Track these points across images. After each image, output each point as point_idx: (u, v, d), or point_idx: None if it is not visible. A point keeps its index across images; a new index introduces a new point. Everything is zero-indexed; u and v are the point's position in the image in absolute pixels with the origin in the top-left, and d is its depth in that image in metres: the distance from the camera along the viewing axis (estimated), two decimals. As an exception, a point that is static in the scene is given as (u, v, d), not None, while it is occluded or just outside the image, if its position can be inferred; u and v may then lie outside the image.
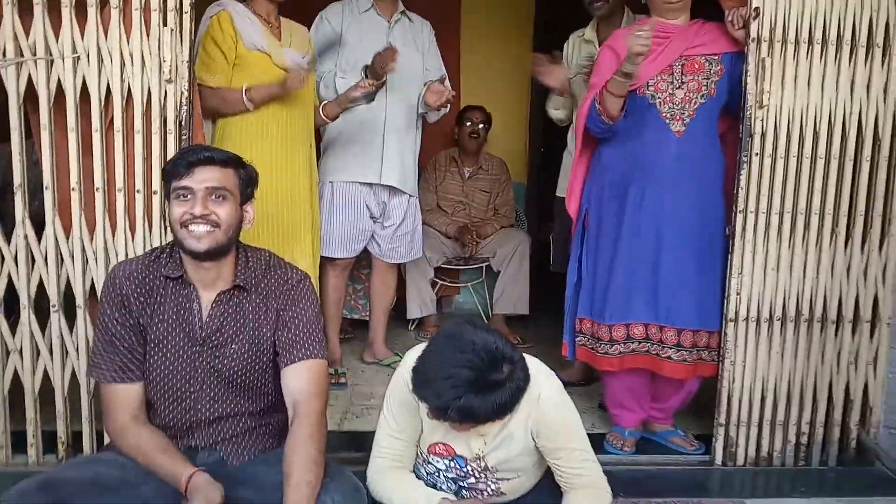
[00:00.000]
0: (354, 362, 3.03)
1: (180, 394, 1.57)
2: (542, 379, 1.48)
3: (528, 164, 4.12)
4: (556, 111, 2.46)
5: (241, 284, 1.57)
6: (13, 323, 1.98)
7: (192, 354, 1.56)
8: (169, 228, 1.65)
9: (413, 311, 3.40)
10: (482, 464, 1.49)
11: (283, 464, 1.42)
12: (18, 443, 2.02)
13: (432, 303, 3.46)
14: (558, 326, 2.37)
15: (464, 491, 1.52)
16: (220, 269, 1.55)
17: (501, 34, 4.02)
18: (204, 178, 1.47)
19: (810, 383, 2.16)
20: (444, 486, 1.52)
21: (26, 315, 1.96)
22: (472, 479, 1.51)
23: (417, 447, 1.54)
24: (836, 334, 2.14)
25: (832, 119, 2.05)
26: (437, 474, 1.52)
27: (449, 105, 2.74)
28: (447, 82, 2.69)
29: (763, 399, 2.15)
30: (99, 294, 1.91)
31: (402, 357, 1.58)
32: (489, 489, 1.51)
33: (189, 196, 1.48)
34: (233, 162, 1.54)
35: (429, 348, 1.37)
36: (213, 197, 1.49)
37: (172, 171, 1.51)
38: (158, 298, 1.55)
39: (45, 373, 1.99)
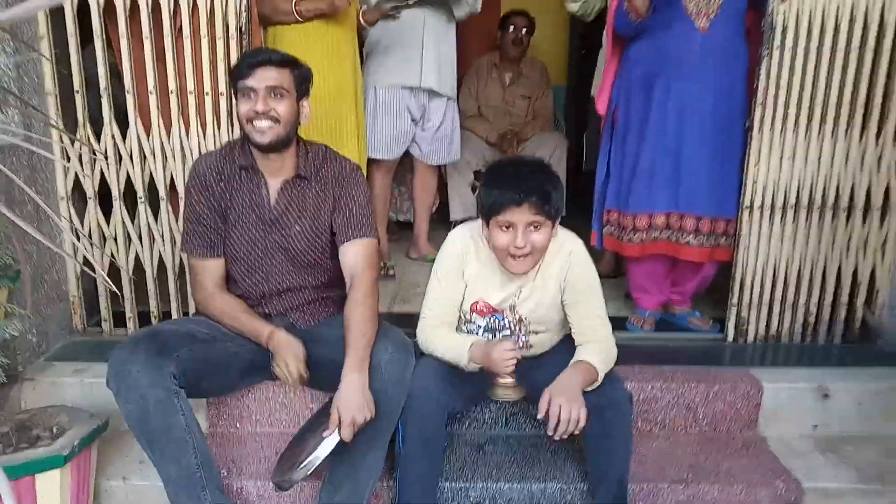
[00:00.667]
0: (402, 258, 3.29)
1: (255, 267, 1.85)
2: (574, 240, 1.75)
3: (567, 66, 4.20)
4: (572, 4, 2.56)
5: (303, 174, 1.81)
6: (107, 214, 2.29)
7: (263, 233, 1.82)
8: (238, 124, 1.88)
9: (456, 213, 3.59)
10: (516, 315, 1.75)
11: (344, 321, 1.70)
12: (116, 319, 2.37)
13: (473, 206, 3.65)
14: (591, 223, 2.56)
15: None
16: (284, 159, 1.79)
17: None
18: (264, 77, 1.69)
19: (820, 267, 2.33)
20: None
21: (117, 206, 2.26)
22: (507, 332, 1.77)
23: (460, 310, 1.79)
24: (847, 221, 2.29)
25: (854, 12, 2.13)
26: (477, 331, 1.79)
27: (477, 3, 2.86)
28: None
29: (774, 282, 2.33)
30: (182, 185, 2.20)
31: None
32: (521, 341, 1.77)
33: (252, 94, 1.70)
34: (289, 62, 1.74)
35: (497, 163, 1.74)
36: (273, 94, 1.70)
37: (237, 72, 1.72)
38: (234, 185, 1.80)
39: (137, 257, 2.31)
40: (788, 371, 2.18)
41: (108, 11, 2.14)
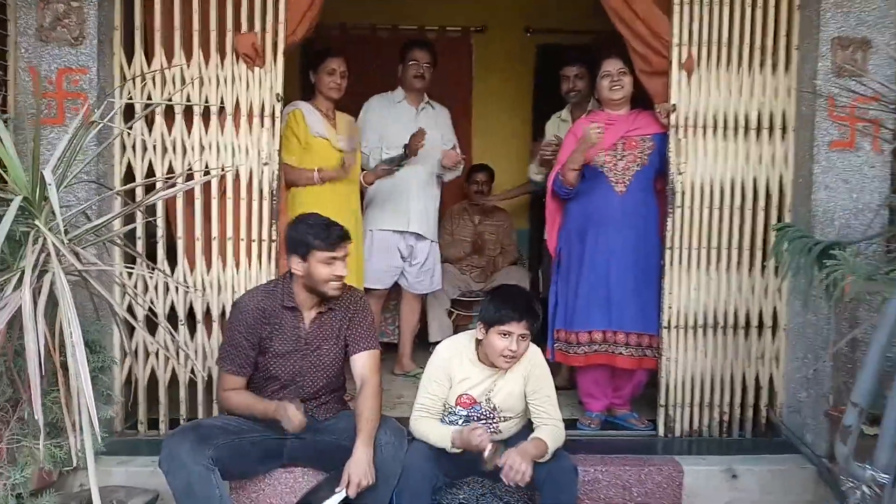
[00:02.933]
0: (387, 374, 3.79)
1: (290, 382, 2.36)
2: (534, 347, 2.35)
3: (528, 213, 4.95)
4: (535, 175, 3.29)
5: (331, 306, 2.38)
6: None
7: (300, 356, 2.36)
8: (293, 272, 2.36)
9: (434, 335, 4.14)
10: (491, 404, 2.31)
11: (355, 411, 2.23)
12: (150, 423, 2.83)
13: (449, 329, 4.23)
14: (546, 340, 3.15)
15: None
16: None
17: (507, 105, 4.93)
18: (345, 248, 2.29)
19: (728, 374, 2.91)
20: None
21: (161, 328, 2.79)
22: (483, 420, 2.30)
23: (444, 404, 2.33)
24: (745, 337, 2.90)
25: (733, 180, 2.86)
26: (458, 421, 2.32)
27: (461, 167, 3.61)
28: (458, 149, 3.56)
29: (693, 386, 2.90)
30: (216, 311, 2.76)
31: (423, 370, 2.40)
32: (492, 427, 2.30)
33: (335, 262, 2.27)
34: (348, 235, 2.35)
35: (498, 288, 2.44)
36: (343, 260, 2.30)
37: (322, 243, 2.24)
38: (276, 321, 2.34)
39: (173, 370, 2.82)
40: (705, 458, 2.70)
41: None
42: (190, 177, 2.75)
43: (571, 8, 4.54)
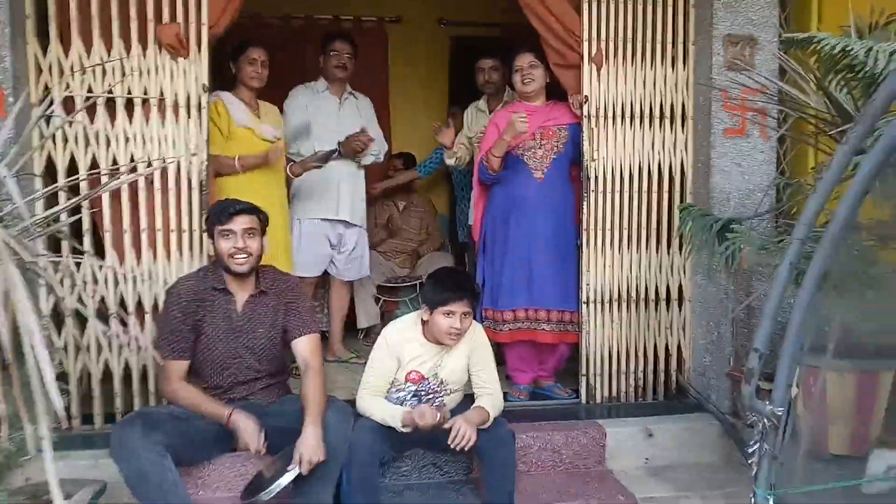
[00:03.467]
0: (318, 361, 3.87)
1: (225, 365, 2.42)
2: (477, 324, 2.52)
3: (449, 200, 5.10)
4: (449, 160, 3.47)
5: (263, 289, 2.44)
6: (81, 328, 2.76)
7: (233, 338, 2.41)
8: (209, 256, 2.48)
9: (361, 322, 4.23)
10: (438, 379, 2.45)
11: (301, 393, 2.30)
12: (84, 418, 2.78)
13: (376, 315, 4.33)
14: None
15: (422, 404, 2.42)
16: (248, 280, 2.43)
17: (423, 94, 5.05)
18: (241, 221, 2.35)
19: (641, 344, 3.17)
20: (408, 404, 2.43)
21: (92, 322, 2.74)
22: (430, 395, 2.43)
23: (394, 381, 2.44)
24: (656, 310, 3.17)
25: (641, 166, 3.11)
26: (406, 396, 2.44)
27: (382, 153, 3.71)
28: (375, 132, 3.66)
29: (611, 357, 3.14)
30: (148, 303, 2.75)
31: (357, 354, 2.51)
32: (437, 400, 2.44)
33: (231, 235, 2.34)
34: (256, 209, 2.42)
35: (438, 272, 2.54)
36: (248, 234, 2.36)
37: (217, 218, 2.36)
38: (208, 303, 2.39)
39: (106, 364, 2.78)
40: (624, 420, 2.95)
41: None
42: (116, 170, 2.71)
43: (484, 1, 4.70)
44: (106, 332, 2.55)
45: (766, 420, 1.30)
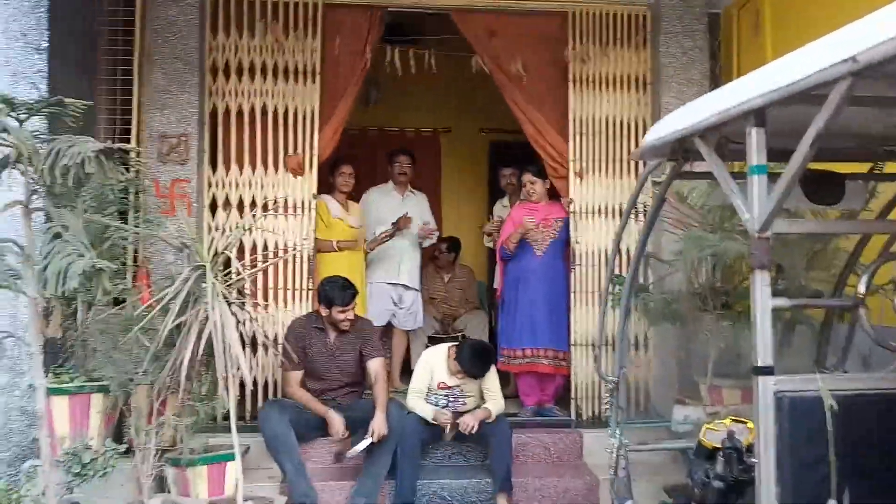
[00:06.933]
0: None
1: (322, 377, 3.75)
2: None
3: (487, 268, 6.42)
4: (486, 242, 4.84)
5: (347, 330, 3.78)
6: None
7: (327, 360, 3.75)
8: (317, 305, 3.83)
9: (415, 363, 5.50)
10: (460, 390, 3.70)
11: (373, 393, 3.63)
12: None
13: (427, 358, 5.58)
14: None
15: (449, 405, 3.69)
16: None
17: (467, 188, 6.47)
18: (351, 305, 3.71)
19: (615, 376, 4.34)
20: (439, 405, 3.69)
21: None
22: (454, 399, 3.70)
23: (428, 388, 3.72)
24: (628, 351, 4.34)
25: (607, 248, 4.35)
26: (440, 398, 3.72)
27: (435, 237, 5.07)
28: (432, 224, 5.03)
29: (593, 385, 4.32)
30: (280, 335, 4.14)
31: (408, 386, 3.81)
32: (460, 402, 3.70)
33: (345, 311, 3.69)
34: (356, 292, 3.78)
35: (466, 344, 3.74)
36: (352, 309, 3.72)
37: (338, 300, 3.68)
38: (313, 336, 3.75)
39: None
40: (598, 430, 4.09)
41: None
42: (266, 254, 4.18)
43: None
44: (270, 350, 3.97)
45: (611, 384, 2.53)
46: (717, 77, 4.53)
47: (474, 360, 3.69)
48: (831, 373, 2.54)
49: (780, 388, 1.58)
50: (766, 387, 1.55)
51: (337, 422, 3.58)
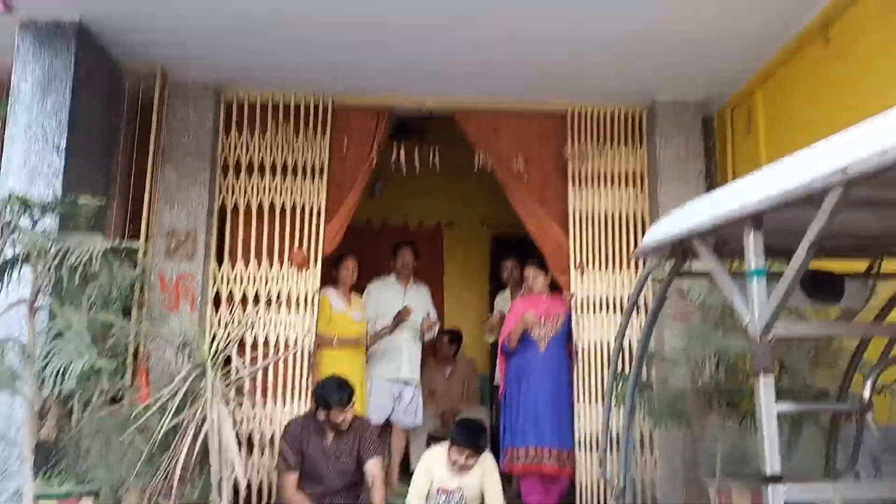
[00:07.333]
0: (381, 490, 4.99)
1: (319, 480, 3.65)
2: (490, 457, 3.66)
3: (489, 363, 6.35)
4: (487, 338, 4.81)
5: (345, 430, 3.71)
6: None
7: (325, 462, 3.66)
8: (314, 405, 3.78)
9: (414, 463, 5.34)
10: (462, 493, 3.58)
11: (371, 494, 3.50)
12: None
13: (428, 455, 5.44)
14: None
15: None
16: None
17: (469, 280, 6.50)
18: (348, 407, 3.67)
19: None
20: (441, 510, 3.59)
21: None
22: (454, 502, 3.57)
23: (429, 491, 3.60)
24: (634, 451, 4.24)
25: (611, 344, 4.33)
26: (440, 501, 3.58)
27: (436, 330, 5.04)
28: (433, 315, 5.02)
29: (599, 485, 4.18)
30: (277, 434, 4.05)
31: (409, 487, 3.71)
32: (459, 509, 3.59)
33: (342, 411, 3.64)
34: (353, 393, 3.74)
35: (463, 423, 3.65)
36: (349, 409, 3.67)
37: (335, 403, 3.62)
38: (311, 437, 3.68)
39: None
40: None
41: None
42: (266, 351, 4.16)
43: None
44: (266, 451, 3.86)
45: (618, 489, 2.46)
46: (713, 174, 4.65)
47: (468, 429, 3.64)
48: (842, 476, 2.48)
49: (791, 498, 1.53)
50: (777, 496, 1.51)
51: None
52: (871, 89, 3.11)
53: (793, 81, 3.85)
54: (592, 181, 4.60)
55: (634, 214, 4.57)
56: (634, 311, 4.28)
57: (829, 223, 1.50)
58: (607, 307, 4.40)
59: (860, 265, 2.55)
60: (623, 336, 2.83)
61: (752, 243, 1.75)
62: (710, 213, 1.93)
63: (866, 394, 2.00)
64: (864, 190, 1.64)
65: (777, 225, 1.83)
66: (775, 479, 1.53)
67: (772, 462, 1.56)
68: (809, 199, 1.54)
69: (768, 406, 1.59)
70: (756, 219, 1.76)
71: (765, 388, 1.61)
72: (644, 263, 3.80)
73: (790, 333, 1.88)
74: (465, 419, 3.94)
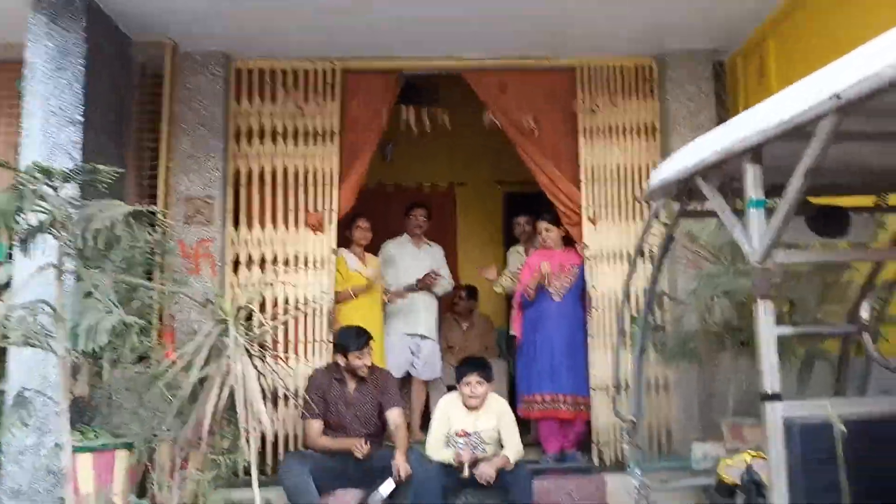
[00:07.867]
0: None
1: (341, 427, 3.79)
2: (504, 402, 3.82)
3: (506, 316, 6.44)
4: (497, 289, 4.88)
5: (366, 379, 3.83)
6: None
7: (348, 409, 3.80)
8: (333, 355, 3.90)
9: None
10: (479, 435, 3.69)
11: (394, 439, 3.65)
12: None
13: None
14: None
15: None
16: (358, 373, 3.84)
17: (482, 239, 6.57)
18: (367, 349, 3.79)
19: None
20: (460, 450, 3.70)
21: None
22: (474, 447, 3.68)
23: (447, 435, 3.72)
24: (647, 393, 4.33)
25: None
26: (457, 446, 3.70)
27: (451, 286, 5.14)
28: (446, 275, 5.10)
29: (613, 429, 4.29)
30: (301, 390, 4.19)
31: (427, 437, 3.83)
32: (479, 450, 3.69)
33: (361, 356, 3.77)
34: (370, 338, 3.85)
35: (462, 359, 3.83)
36: (368, 354, 3.78)
37: (354, 346, 3.78)
38: (333, 386, 3.81)
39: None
40: (621, 474, 4.04)
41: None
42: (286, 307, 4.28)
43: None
44: (290, 403, 4.01)
45: (628, 424, 2.55)
46: (725, 122, 4.62)
47: (470, 361, 3.83)
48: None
49: (789, 415, 1.60)
50: (775, 413, 1.58)
51: (357, 444, 3.64)
52: (884, 31, 3.08)
53: (804, 26, 3.81)
54: (603, 134, 4.61)
55: (646, 165, 4.58)
56: (644, 258, 4.33)
57: (824, 152, 1.53)
58: (620, 257, 4.45)
59: (868, 201, 2.57)
60: (630, 280, 2.88)
61: (751, 175, 1.79)
62: (711, 149, 1.97)
63: (864, 314, 2.05)
64: (861, 120, 1.67)
65: (780, 163, 1.86)
66: (774, 397, 1.60)
67: (771, 382, 1.62)
68: (807, 131, 1.57)
69: (767, 329, 1.65)
70: (755, 151, 1.80)
71: (764, 312, 1.66)
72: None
73: (788, 259, 1.93)
74: (465, 356, 4.07)
